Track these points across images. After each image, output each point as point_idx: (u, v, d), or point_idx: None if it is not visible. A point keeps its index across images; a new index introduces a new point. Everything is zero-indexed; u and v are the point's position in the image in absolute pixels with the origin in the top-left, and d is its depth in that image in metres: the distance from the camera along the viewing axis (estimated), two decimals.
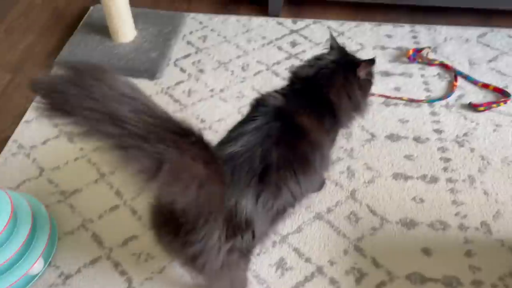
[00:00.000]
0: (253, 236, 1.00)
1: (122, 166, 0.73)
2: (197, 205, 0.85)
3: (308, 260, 1.30)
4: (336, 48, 1.24)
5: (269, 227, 1.07)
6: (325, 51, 1.25)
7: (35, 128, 1.66)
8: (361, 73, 1.17)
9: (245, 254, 1.05)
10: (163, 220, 0.97)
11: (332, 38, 1.25)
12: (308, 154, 1.07)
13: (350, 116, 1.22)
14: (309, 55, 1.47)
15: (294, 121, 1.08)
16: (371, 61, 1.16)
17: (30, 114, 1.71)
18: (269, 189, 0.99)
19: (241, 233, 0.97)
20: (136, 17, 2.01)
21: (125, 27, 1.94)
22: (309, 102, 1.12)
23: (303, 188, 1.08)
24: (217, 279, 1.07)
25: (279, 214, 1.07)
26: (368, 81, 1.22)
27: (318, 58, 1.21)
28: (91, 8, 2.18)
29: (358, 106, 1.21)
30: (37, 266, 1.24)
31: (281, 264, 1.29)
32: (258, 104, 1.12)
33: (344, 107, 1.18)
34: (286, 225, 1.37)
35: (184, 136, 0.78)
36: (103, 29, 1.99)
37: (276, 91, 1.15)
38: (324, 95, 1.15)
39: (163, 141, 0.73)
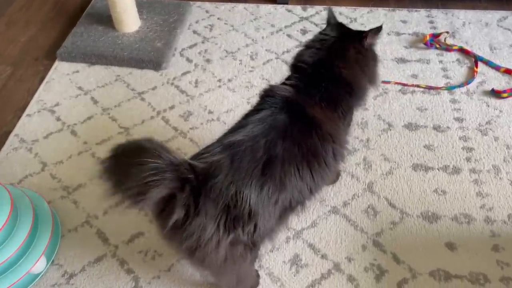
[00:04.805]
0: (255, 229, 0.93)
1: None
2: None
3: (324, 256, 1.23)
4: (334, 24, 1.17)
5: (276, 222, 1.00)
6: (324, 30, 1.18)
7: (37, 122, 1.60)
8: (368, 41, 1.11)
9: (251, 248, 0.97)
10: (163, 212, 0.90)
11: (330, 13, 1.18)
12: (318, 149, 1.01)
13: (365, 90, 1.16)
14: None
15: (305, 113, 1.02)
16: (378, 29, 1.10)
17: (31, 108, 1.65)
18: (272, 182, 0.92)
19: (243, 225, 0.90)
20: (140, 6, 1.95)
21: (130, 16, 1.87)
22: (321, 89, 1.06)
23: (311, 185, 1.02)
24: (222, 274, 1.01)
25: (287, 210, 1.00)
26: (374, 50, 1.17)
27: (319, 39, 1.14)
28: None
29: (372, 78, 1.15)
30: (40, 264, 1.18)
31: (295, 261, 1.22)
32: (267, 95, 1.07)
33: (359, 80, 1.12)
34: (300, 220, 1.30)
35: None
36: (106, 19, 1.93)
37: (285, 83, 1.09)
38: (337, 75, 1.08)
39: None
